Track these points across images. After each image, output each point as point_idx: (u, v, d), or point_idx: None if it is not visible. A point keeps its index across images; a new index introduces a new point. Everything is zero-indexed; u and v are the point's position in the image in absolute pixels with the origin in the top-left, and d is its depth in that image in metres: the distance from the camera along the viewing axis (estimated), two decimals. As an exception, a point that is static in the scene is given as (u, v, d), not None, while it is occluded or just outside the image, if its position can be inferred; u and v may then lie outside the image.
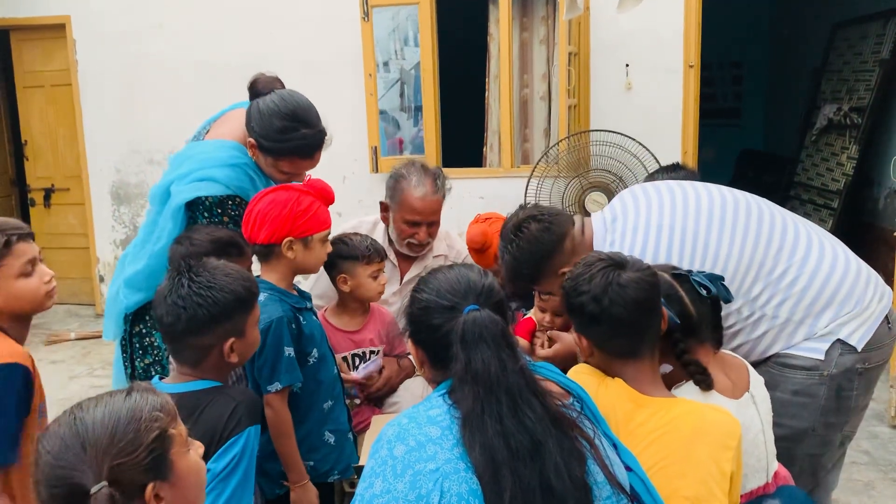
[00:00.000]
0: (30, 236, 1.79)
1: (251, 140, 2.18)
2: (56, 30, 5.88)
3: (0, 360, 1.65)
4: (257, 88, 2.21)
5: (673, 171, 3.09)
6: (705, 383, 1.58)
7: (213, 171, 2.15)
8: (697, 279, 1.68)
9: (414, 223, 2.58)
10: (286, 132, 2.14)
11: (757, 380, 1.74)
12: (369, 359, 2.48)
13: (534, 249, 2.02)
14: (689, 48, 4.91)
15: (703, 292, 1.67)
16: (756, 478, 1.65)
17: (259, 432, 1.59)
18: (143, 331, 2.27)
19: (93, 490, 1.02)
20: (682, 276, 1.70)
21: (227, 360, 1.65)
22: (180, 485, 1.14)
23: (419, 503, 1.13)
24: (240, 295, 1.65)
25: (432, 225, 2.63)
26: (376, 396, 2.53)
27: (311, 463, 2.05)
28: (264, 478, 2.00)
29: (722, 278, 1.76)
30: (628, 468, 1.31)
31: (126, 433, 1.07)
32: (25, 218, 6.67)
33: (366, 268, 2.37)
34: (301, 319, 2.02)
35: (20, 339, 1.78)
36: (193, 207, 2.15)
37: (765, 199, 2.08)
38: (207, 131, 2.35)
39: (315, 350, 2.04)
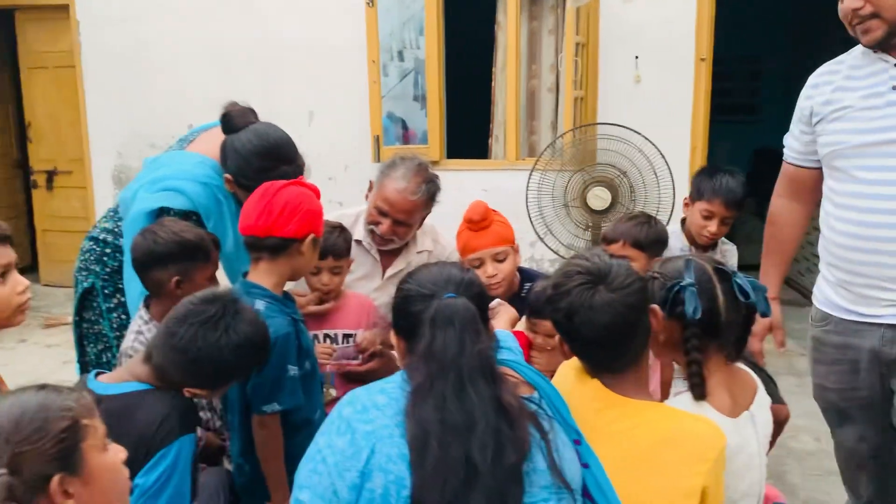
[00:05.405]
0: (7, 240, 1.57)
1: (228, 176, 2.15)
2: (60, 10, 5.82)
3: None
4: (232, 122, 2.16)
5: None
6: (697, 389, 1.49)
7: (183, 184, 2.12)
8: (740, 281, 1.54)
9: (382, 212, 2.49)
10: (265, 171, 2.07)
11: (762, 400, 1.63)
12: (344, 342, 2.39)
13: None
14: (701, 41, 4.77)
15: (741, 297, 1.53)
16: (747, 502, 1.55)
17: (194, 441, 1.49)
18: (92, 318, 2.24)
19: None
20: (724, 273, 1.56)
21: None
22: (94, 483, 1.07)
23: (354, 459, 1.23)
24: (242, 368, 1.66)
25: (400, 224, 2.50)
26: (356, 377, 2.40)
27: None
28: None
29: (765, 289, 1.60)
30: (585, 465, 1.31)
31: (33, 421, 1.02)
32: (28, 200, 6.65)
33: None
34: (299, 331, 1.92)
35: None
36: (160, 217, 2.10)
37: None
38: (190, 142, 2.31)
39: (307, 362, 1.95)
